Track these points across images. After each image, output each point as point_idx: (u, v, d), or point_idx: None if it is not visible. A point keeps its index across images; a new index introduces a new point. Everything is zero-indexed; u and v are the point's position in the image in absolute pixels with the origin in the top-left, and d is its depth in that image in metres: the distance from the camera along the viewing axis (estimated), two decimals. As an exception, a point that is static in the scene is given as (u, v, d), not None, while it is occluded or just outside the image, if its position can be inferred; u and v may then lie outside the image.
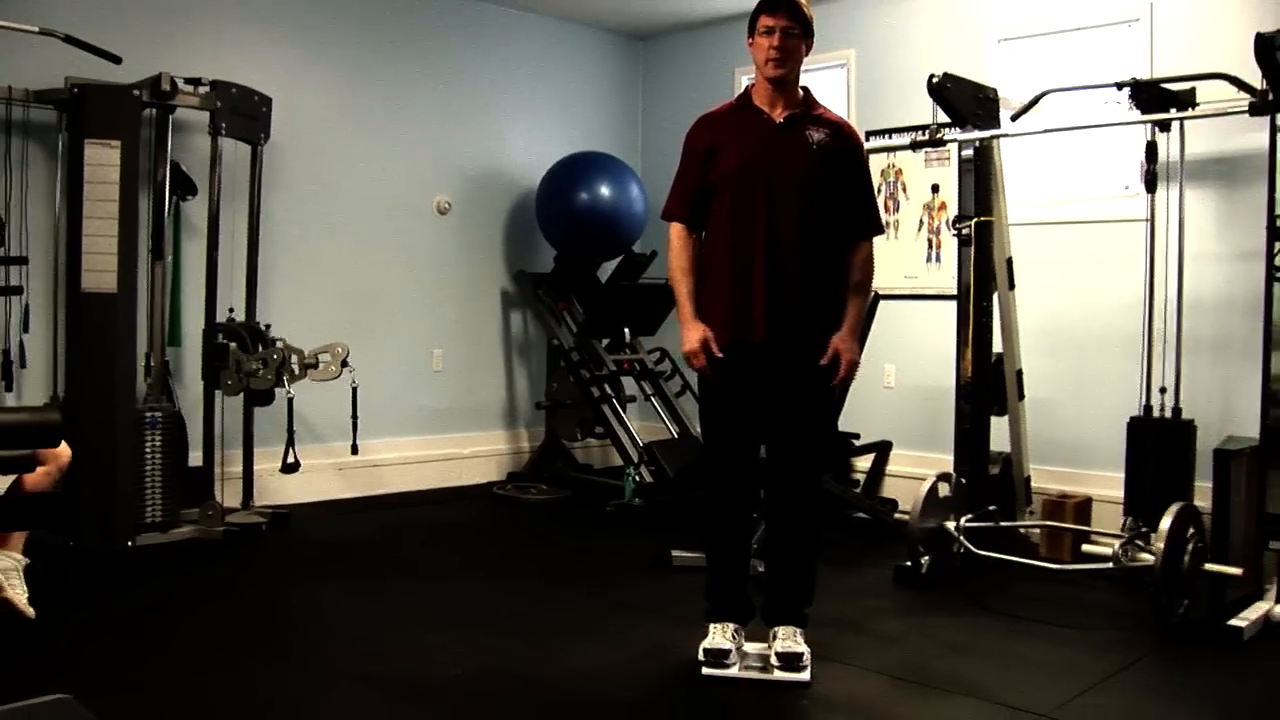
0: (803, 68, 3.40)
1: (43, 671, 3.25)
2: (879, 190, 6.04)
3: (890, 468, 5.86)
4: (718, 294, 3.37)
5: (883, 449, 5.86)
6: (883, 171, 6.05)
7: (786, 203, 3.30)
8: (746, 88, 3.48)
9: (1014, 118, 4.74)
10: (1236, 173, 4.81)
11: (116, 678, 3.25)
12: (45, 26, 4.54)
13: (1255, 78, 3.94)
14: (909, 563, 4.44)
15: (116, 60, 4.75)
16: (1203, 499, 4.16)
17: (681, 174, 3.49)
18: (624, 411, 6.28)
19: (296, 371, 4.92)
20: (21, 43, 4.60)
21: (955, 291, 4.86)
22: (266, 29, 5.80)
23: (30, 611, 3.59)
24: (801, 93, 3.42)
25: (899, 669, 3.45)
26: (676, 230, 3.46)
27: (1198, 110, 4.30)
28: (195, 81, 5.08)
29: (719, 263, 3.38)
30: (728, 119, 3.45)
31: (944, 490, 4.54)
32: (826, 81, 6.31)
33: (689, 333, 3.39)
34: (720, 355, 3.34)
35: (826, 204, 3.36)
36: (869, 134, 5.96)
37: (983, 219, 4.70)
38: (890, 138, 5.66)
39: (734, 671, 3.32)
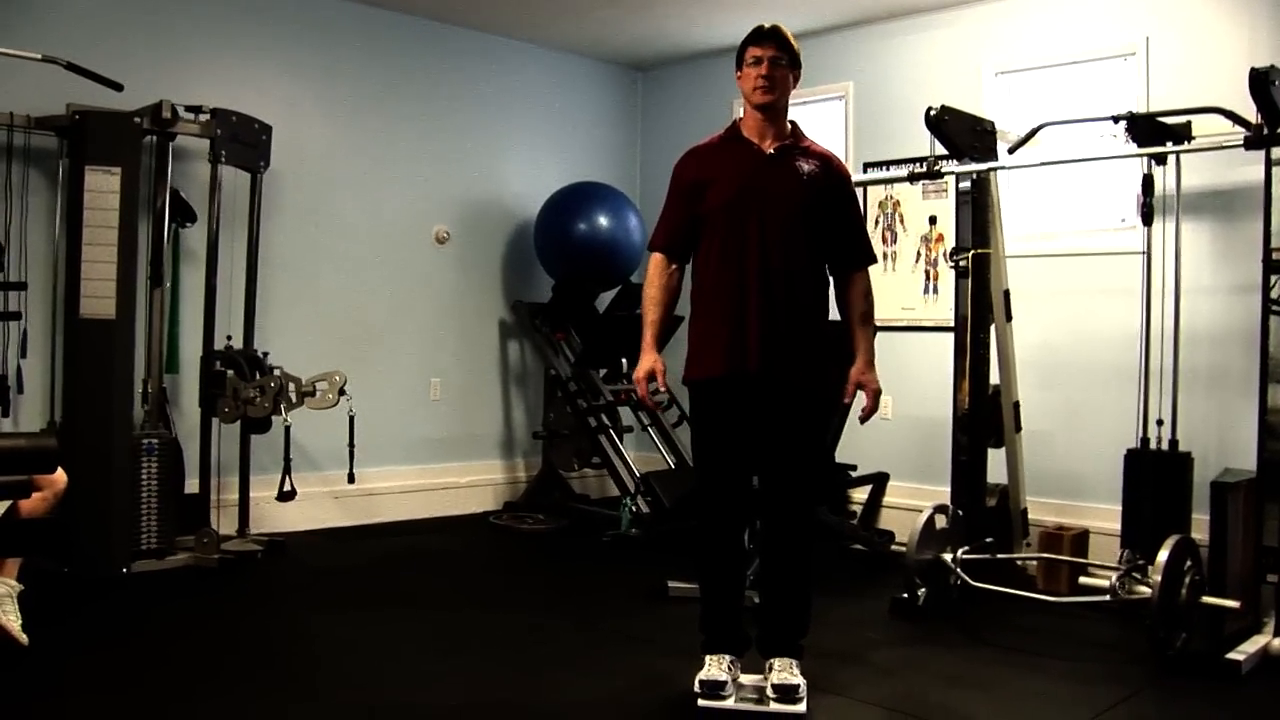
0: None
1: (36, 699, 3.23)
2: (876, 222, 6.07)
3: (887, 499, 5.85)
4: (711, 324, 3.37)
5: (879, 480, 5.85)
6: (880, 204, 6.08)
7: (778, 233, 3.31)
8: (735, 121, 3.49)
9: (1011, 150, 4.76)
10: (1232, 206, 4.83)
11: (110, 705, 3.22)
12: (48, 54, 4.57)
13: (1250, 112, 3.97)
14: (906, 594, 4.42)
15: (118, 88, 4.77)
16: (1200, 531, 4.15)
17: (668, 206, 3.50)
18: (621, 442, 6.28)
19: (294, 399, 4.92)
20: (23, 69, 4.62)
21: (952, 323, 4.87)
22: (267, 58, 5.83)
23: (24, 638, 3.57)
24: (790, 125, 3.44)
25: (895, 701, 3.42)
26: (655, 259, 3.49)
27: (1193, 144, 4.33)
28: (196, 109, 5.11)
29: (712, 293, 3.38)
30: (717, 151, 3.47)
31: (941, 522, 4.53)
32: (824, 114, 6.30)
33: (642, 360, 3.47)
34: (664, 390, 3.47)
35: (816, 235, 3.38)
36: (866, 165, 6.00)
37: (980, 251, 4.71)
38: (888, 170, 5.68)
39: (730, 703, 3.29)
